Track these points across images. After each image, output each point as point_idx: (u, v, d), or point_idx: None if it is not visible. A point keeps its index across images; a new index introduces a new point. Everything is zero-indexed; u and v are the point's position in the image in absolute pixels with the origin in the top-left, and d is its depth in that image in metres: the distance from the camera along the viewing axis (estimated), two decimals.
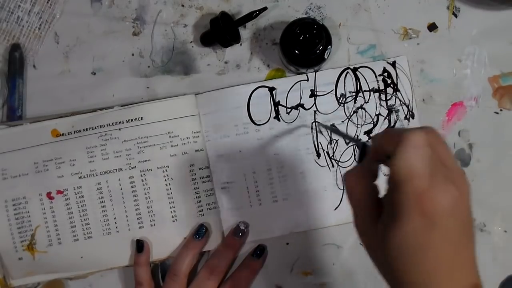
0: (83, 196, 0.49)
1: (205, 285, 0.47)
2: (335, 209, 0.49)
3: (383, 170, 0.31)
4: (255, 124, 0.50)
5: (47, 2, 0.51)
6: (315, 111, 0.50)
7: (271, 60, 0.50)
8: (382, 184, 0.30)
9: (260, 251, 0.49)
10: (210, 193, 0.49)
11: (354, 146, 0.49)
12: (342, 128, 0.50)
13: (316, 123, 0.49)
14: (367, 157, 0.32)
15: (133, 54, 0.51)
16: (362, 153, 0.33)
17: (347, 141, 0.49)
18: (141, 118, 0.49)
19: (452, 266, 0.27)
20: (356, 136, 0.49)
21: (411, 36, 0.50)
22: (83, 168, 0.49)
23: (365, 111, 0.50)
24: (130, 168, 0.49)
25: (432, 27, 0.50)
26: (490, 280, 0.49)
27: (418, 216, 0.26)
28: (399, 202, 0.26)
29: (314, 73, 0.50)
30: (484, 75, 0.50)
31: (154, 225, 0.49)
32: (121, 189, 0.49)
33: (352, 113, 0.50)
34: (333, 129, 0.48)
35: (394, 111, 0.50)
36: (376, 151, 0.31)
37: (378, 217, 0.29)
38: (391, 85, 0.50)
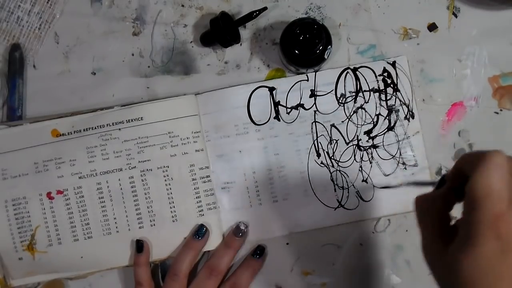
0: (83, 196, 0.49)
1: (205, 285, 0.47)
2: (335, 209, 0.49)
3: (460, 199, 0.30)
4: (255, 124, 0.50)
5: (47, 2, 0.51)
6: (315, 111, 0.50)
7: (271, 60, 0.50)
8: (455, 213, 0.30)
9: (260, 251, 0.49)
10: (210, 193, 0.49)
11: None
12: (342, 128, 0.50)
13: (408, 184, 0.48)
14: (444, 185, 0.32)
15: (133, 54, 0.51)
16: (441, 183, 0.33)
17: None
18: (141, 118, 0.49)
19: None
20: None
21: (411, 36, 0.50)
22: (83, 168, 0.49)
23: (365, 111, 0.50)
24: (130, 168, 0.49)
25: (432, 27, 0.50)
26: None
27: (494, 239, 0.25)
28: (475, 222, 0.26)
29: (314, 73, 0.50)
30: (484, 75, 0.50)
31: (154, 225, 0.49)
32: (121, 189, 0.49)
33: (352, 113, 0.50)
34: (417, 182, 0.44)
35: (394, 111, 0.50)
36: (455, 174, 0.30)
37: (448, 243, 0.28)
38: (391, 85, 0.50)
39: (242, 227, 0.48)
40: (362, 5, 0.50)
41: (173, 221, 0.49)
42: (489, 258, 0.26)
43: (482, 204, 0.26)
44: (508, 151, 0.50)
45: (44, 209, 0.49)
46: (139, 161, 0.49)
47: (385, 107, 0.50)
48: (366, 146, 0.50)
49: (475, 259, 0.26)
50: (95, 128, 0.49)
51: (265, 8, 0.48)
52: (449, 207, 0.31)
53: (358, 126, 0.50)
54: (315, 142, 0.50)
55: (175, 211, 0.49)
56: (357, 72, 0.50)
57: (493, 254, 0.25)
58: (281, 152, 0.50)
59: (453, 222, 0.31)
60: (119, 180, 0.49)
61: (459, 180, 0.29)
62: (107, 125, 0.49)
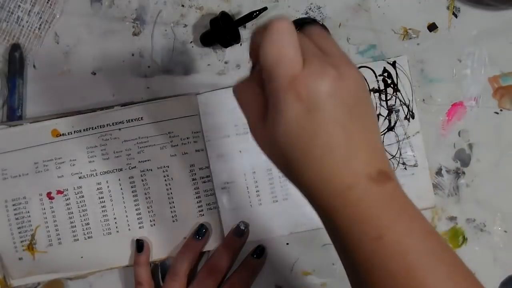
0: (83, 196, 0.49)
1: (205, 285, 0.47)
2: None
3: None
4: None
5: (47, 2, 0.51)
6: None
7: None
8: None
9: (260, 251, 0.49)
10: (210, 193, 0.49)
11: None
12: None
13: None
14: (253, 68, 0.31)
15: (133, 54, 0.51)
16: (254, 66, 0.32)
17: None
18: (141, 118, 0.49)
19: (347, 153, 0.25)
20: None
21: (411, 36, 0.50)
22: (83, 168, 0.49)
23: None
24: (130, 168, 0.49)
25: (432, 27, 0.50)
26: (490, 280, 0.49)
27: (295, 101, 0.25)
28: (274, 91, 0.26)
29: None
30: (484, 75, 0.50)
31: (154, 225, 0.49)
32: (121, 189, 0.49)
33: None
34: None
35: (394, 111, 0.50)
36: (252, 50, 0.29)
37: (264, 120, 0.28)
38: (391, 85, 0.50)
39: (242, 227, 0.48)
40: (362, 5, 0.50)
41: (173, 221, 0.49)
42: (297, 121, 0.25)
43: (276, 71, 0.25)
44: (508, 151, 0.51)
45: (44, 209, 0.49)
46: (139, 161, 0.49)
47: (385, 107, 0.50)
48: None
49: (285, 125, 0.25)
50: (95, 128, 0.49)
51: (265, 8, 0.48)
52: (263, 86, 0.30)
53: None
54: None
55: (175, 211, 0.49)
56: None
57: (300, 115, 0.25)
58: None
59: None
60: (119, 180, 0.49)
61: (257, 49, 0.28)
62: (107, 125, 0.49)
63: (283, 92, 0.25)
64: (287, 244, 0.50)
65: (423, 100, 0.50)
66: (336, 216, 0.27)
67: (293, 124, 0.25)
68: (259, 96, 0.28)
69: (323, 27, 0.26)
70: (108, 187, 0.49)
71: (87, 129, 0.49)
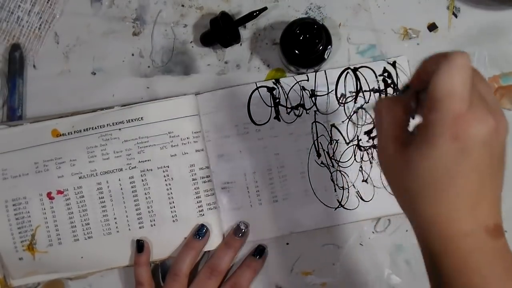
0: (83, 196, 0.49)
1: (205, 285, 0.47)
2: (335, 209, 0.49)
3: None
4: (255, 124, 0.50)
5: (47, 2, 0.51)
6: (315, 111, 0.50)
7: (271, 60, 0.50)
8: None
9: (260, 251, 0.49)
10: (210, 193, 0.49)
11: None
12: (342, 128, 0.50)
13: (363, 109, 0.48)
14: (407, 90, 0.31)
15: (133, 54, 0.51)
16: (405, 90, 0.31)
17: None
18: (141, 118, 0.49)
19: (476, 200, 0.26)
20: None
21: (411, 36, 0.50)
22: (84, 168, 0.49)
23: (366, 111, 0.50)
24: (130, 168, 0.49)
25: (432, 27, 0.50)
26: None
27: (451, 139, 0.25)
28: (435, 122, 0.25)
29: (314, 73, 0.50)
30: (484, 75, 0.50)
31: (154, 225, 0.49)
32: (121, 189, 0.49)
33: (352, 113, 0.50)
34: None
35: None
36: (419, 74, 0.29)
37: (405, 146, 0.28)
38: (391, 85, 0.50)
39: (242, 227, 0.48)
40: (362, 5, 0.50)
41: (173, 221, 0.49)
42: (446, 159, 0.25)
43: (443, 104, 0.25)
44: (508, 151, 0.51)
45: (44, 209, 0.49)
46: (139, 161, 0.49)
47: None
48: (366, 146, 0.50)
49: (431, 160, 0.26)
50: (95, 128, 0.49)
51: (265, 8, 0.48)
52: (409, 112, 0.30)
53: (359, 126, 0.50)
54: (315, 142, 0.50)
55: (175, 211, 0.49)
56: (357, 72, 0.50)
57: (450, 154, 0.25)
58: (281, 152, 0.50)
59: (411, 129, 0.30)
60: (119, 180, 0.49)
61: (423, 84, 0.28)
62: (107, 125, 0.49)
63: (442, 127, 0.25)
64: (287, 244, 0.50)
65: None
66: (443, 261, 0.27)
67: (440, 161, 0.25)
68: (402, 119, 0.29)
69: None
70: (108, 187, 0.49)
71: (87, 129, 0.49)
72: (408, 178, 0.27)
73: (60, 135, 0.49)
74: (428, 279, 0.30)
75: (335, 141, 0.50)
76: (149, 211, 0.49)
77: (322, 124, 0.50)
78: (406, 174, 0.27)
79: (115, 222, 0.49)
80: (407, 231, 0.50)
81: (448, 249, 0.27)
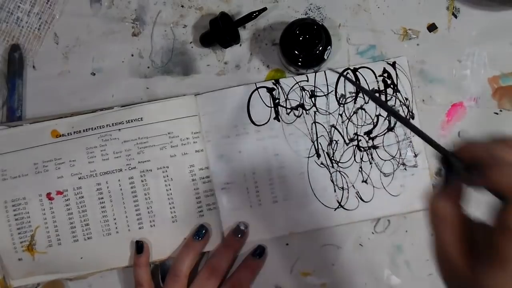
0: (83, 197, 0.49)
1: (205, 285, 0.47)
2: (335, 210, 0.49)
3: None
4: (255, 124, 0.50)
5: (47, 3, 0.51)
6: (315, 112, 0.50)
7: (271, 61, 0.50)
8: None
9: (260, 251, 0.49)
10: (210, 193, 0.49)
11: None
12: (342, 129, 0.50)
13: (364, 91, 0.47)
14: (454, 174, 0.26)
15: (132, 55, 0.51)
16: (449, 168, 0.27)
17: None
18: (141, 118, 0.49)
19: None
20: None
21: (411, 37, 0.50)
22: (83, 168, 0.49)
23: (365, 112, 0.50)
24: (130, 168, 0.49)
25: (432, 27, 0.50)
26: None
27: None
28: (505, 249, 0.23)
29: (314, 73, 0.50)
30: (484, 76, 0.50)
31: (154, 225, 0.49)
32: (121, 189, 0.49)
33: (352, 113, 0.50)
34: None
35: None
36: (469, 161, 0.25)
37: (468, 251, 0.25)
38: (391, 86, 0.50)
39: (242, 227, 0.48)
40: (362, 5, 0.50)
41: (173, 221, 0.49)
42: None
43: None
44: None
45: (44, 209, 0.49)
46: (139, 162, 0.49)
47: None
48: (366, 147, 0.50)
49: (500, 283, 0.23)
50: (95, 128, 0.49)
51: (264, 9, 0.48)
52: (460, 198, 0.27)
53: (358, 126, 0.50)
54: (315, 142, 0.50)
55: (175, 212, 0.49)
56: (357, 72, 0.50)
57: None
58: (281, 153, 0.50)
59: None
60: (119, 180, 0.49)
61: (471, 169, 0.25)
62: (107, 125, 0.49)
63: None
64: (287, 244, 0.50)
65: (423, 100, 0.50)
66: None
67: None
68: (462, 217, 0.26)
69: None
70: (107, 187, 0.49)
71: (86, 129, 0.49)
72: None
73: (60, 136, 0.49)
74: None
75: (334, 142, 0.50)
76: (148, 212, 0.49)
77: (322, 125, 0.50)
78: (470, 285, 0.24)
79: (115, 223, 0.49)
80: (406, 231, 0.50)
81: None
